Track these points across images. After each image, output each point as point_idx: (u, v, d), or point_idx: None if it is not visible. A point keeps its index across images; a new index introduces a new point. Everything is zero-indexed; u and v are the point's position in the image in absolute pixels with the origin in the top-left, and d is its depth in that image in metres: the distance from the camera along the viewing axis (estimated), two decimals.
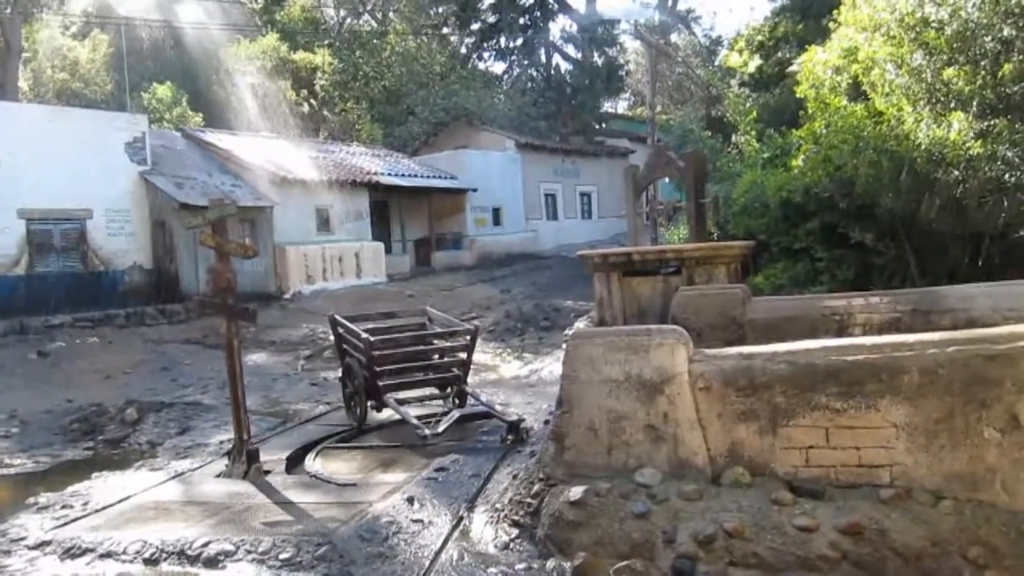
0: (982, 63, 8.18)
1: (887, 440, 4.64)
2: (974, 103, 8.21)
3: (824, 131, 9.60)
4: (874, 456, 4.67)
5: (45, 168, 18.42)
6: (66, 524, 6.31)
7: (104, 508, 6.66)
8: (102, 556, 5.63)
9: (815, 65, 10.38)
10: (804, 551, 4.37)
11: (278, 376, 13.58)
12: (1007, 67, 7.97)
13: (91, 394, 12.21)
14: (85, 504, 6.86)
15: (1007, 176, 7.95)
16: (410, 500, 6.18)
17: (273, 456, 7.91)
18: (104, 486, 7.52)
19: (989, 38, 8.11)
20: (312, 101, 36.55)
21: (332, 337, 10.21)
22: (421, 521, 5.81)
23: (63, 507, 6.85)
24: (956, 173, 8.20)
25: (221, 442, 8.92)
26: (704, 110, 32.17)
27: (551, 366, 12.34)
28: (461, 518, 5.85)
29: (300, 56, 36.44)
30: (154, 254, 20.46)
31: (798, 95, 10.81)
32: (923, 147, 8.30)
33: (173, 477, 7.63)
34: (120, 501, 6.82)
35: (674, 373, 5.08)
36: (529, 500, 5.53)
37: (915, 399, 4.58)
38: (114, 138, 20.04)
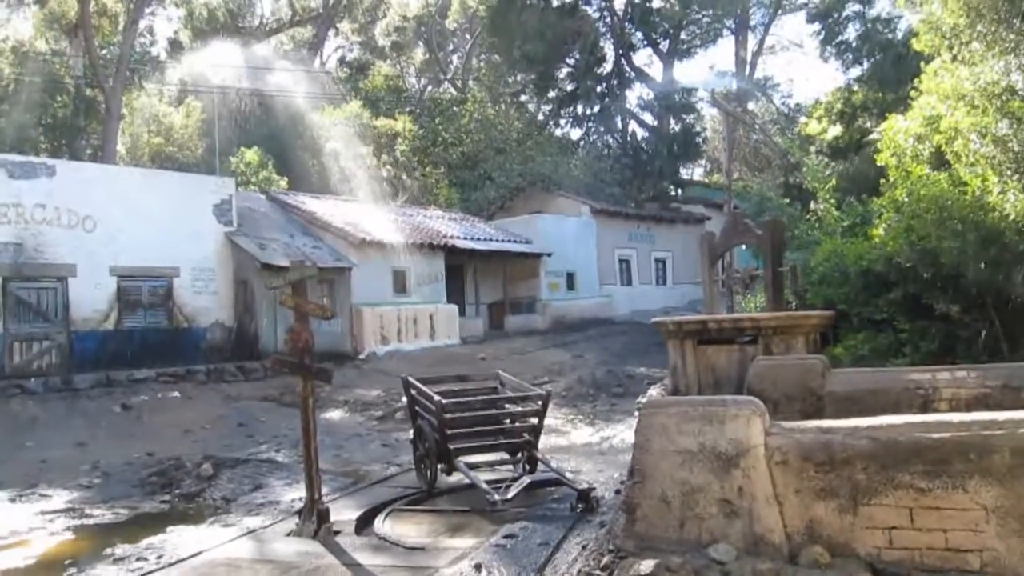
0: None
1: (976, 523, 4.43)
2: None
3: (906, 200, 9.40)
4: (962, 540, 4.46)
5: (138, 228, 19.25)
6: None
7: (177, 562, 6.76)
8: None
9: (896, 133, 10.23)
10: None
11: (351, 436, 13.70)
12: None
13: (170, 448, 12.49)
14: (159, 558, 6.99)
15: None
16: (478, 567, 6.11)
17: (343, 516, 7.93)
18: (178, 540, 7.66)
19: None
20: (392, 166, 37.49)
21: (404, 398, 10.27)
22: None
23: (138, 559, 6.99)
24: None
25: (293, 500, 9.00)
26: (782, 177, 31.94)
27: (623, 434, 12.18)
28: None
29: (381, 122, 37.55)
30: (235, 312, 21.03)
31: (879, 163, 10.63)
32: (1011, 218, 8.06)
33: (245, 534, 7.72)
34: (193, 556, 6.92)
35: (750, 446, 4.96)
36: (598, 572, 5.41)
37: (1007, 481, 4.38)
38: (203, 200, 20.86)
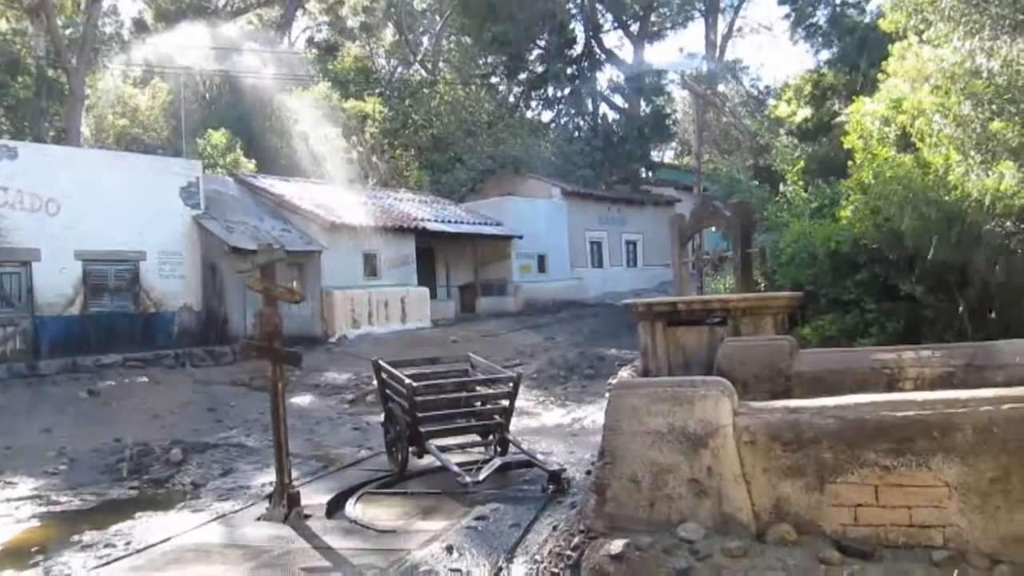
0: None
1: (939, 500, 4.50)
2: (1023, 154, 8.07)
3: (872, 181, 9.48)
4: (926, 516, 4.53)
5: (102, 211, 18.95)
6: (108, 563, 6.39)
7: (146, 548, 6.73)
8: None
9: (863, 116, 10.30)
10: None
11: (322, 419, 13.65)
12: None
13: (138, 433, 12.37)
14: (127, 544, 6.94)
15: None
16: (449, 549, 6.13)
17: (314, 500, 7.93)
18: (147, 526, 7.60)
19: None
20: (361, 148, 37.20)
21: (375, 382, 10.24)
22: (459, 571, 5.76)
23: (106, 546, 6.93)
24: (1008, 224, 8.02)
25: (263, 485, 8.96)
26: (751, 159, 32.10)
27: (594, 415, 12.24)
28: (500, 569, 5.78)
29: (351, 104, 37.18)
30: (204, 296, 20.81)
31: (845, 146, 10.72)
32: (972, 198, 8.15)
33: (215, 519, 7.68)
34: (162, 542, 6.88)
35: (718, 426, 5.00)
36: (569, 552, 5.45)
37: (968, 458, 4.45)
38: (169, 183, 20.57)
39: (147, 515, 8.08)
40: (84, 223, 18.73)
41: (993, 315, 8.74)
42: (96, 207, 18.89)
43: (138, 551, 6.67)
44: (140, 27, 40.39)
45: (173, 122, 33.09)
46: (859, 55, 22.64)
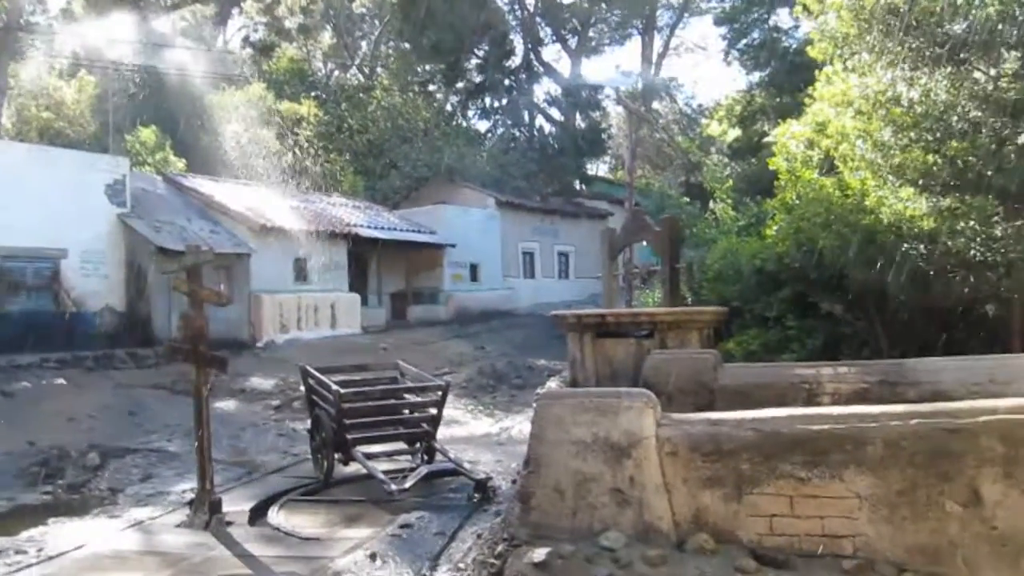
0: (950, 142, 8.39)
1: (850, 510, 4.67)
2: (931, 180, 8.44)
3: (795, 202, 9.77)
4: (838, 526, 4.70)
5: (22, 206, 18.29)
6: (19, 571, 6.18)
7: (59, 555, 6.53)
8: None
9: (788, 138, 10.61)
10: None
11: (246, 425, 13.42)
12: (955, 145, 8.20)
13: (54, 437, 11.99)
14: (40, 551, 6.72)
15: (971, 252, 8.12)
16: (373, 557, 6.10)
17: (236, 507, 7.80)
18: (60, 533, 7.38)
19: (955, 118, 8.36)
20: (295, 151, 36.72)
21: (302, 388, 10.13)
22: None
23: (17, 553, 6.69)
24: (921, 247, 8.36)
25: (184, 491, 8.78)
26: (683, 176, 32.72)
27: (522, 424, 12.29)
28: None
29: (286, 106, 36.67)
30: (127, 297, 20.28)
31: (771, 167, 11.03)
32: (886, 221, 8.48)
33: (132, 526, 7.50)
34: (76, 549, 6.69)
35: (641, 437, 5.10)
36: (492, 560, 5.47)
37: (878, 470, 4.63)
38: (94, 179, 20.03)
39: (61, 521, 7.85)
40: (1, 218, 18.06)
41: (907, 333, 9.09)
42: (15, 202, 18.23)
43: (50, 558, 6.46)
44: (68, 17, 39.20)
45: (100, 117, 32.21)
46: (788, 79, 23.26)
